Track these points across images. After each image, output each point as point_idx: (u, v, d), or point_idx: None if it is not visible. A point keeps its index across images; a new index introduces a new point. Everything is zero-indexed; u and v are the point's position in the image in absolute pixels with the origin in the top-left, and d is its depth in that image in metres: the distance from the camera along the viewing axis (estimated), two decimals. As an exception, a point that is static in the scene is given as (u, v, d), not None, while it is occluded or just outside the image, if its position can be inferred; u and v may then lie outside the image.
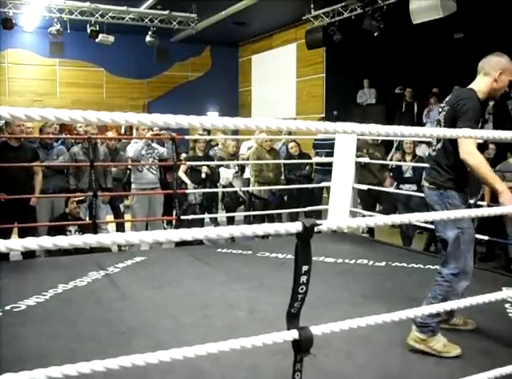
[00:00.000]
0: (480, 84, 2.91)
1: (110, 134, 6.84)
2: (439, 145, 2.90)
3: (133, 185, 6.37)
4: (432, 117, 8.94)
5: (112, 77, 13.84)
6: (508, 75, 2.91)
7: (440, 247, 3.00)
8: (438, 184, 2.89)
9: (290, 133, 7.61)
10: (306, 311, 1.70)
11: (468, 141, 2.71)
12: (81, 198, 5.78)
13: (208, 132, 8.14)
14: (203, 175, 6.47)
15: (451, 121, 2.80)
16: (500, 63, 2.89)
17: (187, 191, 6.21)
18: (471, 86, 2.93)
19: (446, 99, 2.97)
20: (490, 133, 1.97)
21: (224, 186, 6.75)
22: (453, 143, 2.80)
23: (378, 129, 1.76)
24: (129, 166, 6.53)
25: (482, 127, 8.14)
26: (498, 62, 2.90)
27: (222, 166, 6.80)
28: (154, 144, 6.42)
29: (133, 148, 6.22)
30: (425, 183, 2.99)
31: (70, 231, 5.66)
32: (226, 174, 6.73)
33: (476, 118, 2.75)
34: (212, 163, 6.65)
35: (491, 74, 2.88)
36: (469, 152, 2.70)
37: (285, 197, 7.34)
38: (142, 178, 6.27)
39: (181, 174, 6.18)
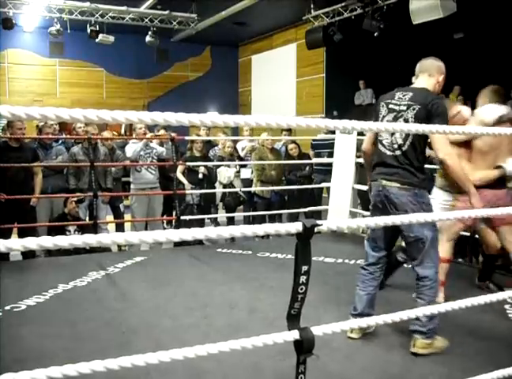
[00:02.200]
0: (429, 85, 2.93)
1: (105, 134, 6.83)
2: (407, 145, 2.82)
3: (132, 186, 6.37)
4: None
5: (112, 77, 13.83)
6: (443, 81, 3.00)
7: (411, 250, 2.90)
8: (413, 184, 2.81)
9: (290, 134, 7.60)
10: (306, 311, 1.70)
11: (445, 142, 2.79)
12: (79, 198, 5.78)
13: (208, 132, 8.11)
14: (200, 176, 6.46)
15: (424, 122, 2.66)
16: (442, 68, 2.99)
17: (187, 191, 6.20)
18: (422, 86, 2.93)
19: (401, 96, 2.88)
20: (490, 130, 1.97)
21: (225, 185, 6.74)
22: (421, 143, 2.84)
23: (377, 127, 1.76)
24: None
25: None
26: (440, 67, 2.98)
27: (221, 166, 6.79)
28: (152, 144, 6.42)
29: (131, 149, 6.22)
30: (393, 183, 2.83)
31: (70, 231, 5.66)
32: (227, 173, 6.72)
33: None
34: (209, 164, 6.64)
35: (435, 77, 2.94)
36: (448, 153, 2.78)
37: (286, 197, 7.34)
38: (141, 178, 6.27)
39: (178, 174, 6.17)
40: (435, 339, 2.84)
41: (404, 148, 2.83)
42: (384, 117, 2.94)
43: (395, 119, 2.87)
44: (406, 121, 2.82)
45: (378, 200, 2.93)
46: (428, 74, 2.94)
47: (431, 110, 2.77)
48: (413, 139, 2.81)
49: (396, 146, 2.85)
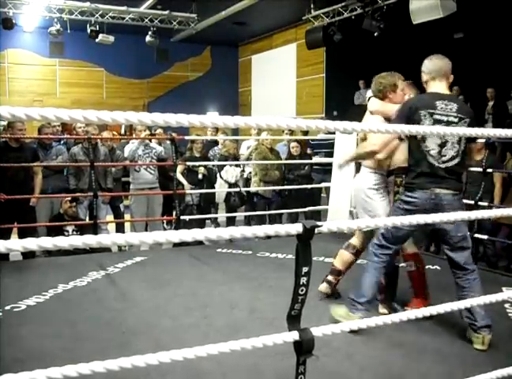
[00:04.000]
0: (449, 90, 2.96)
1: (105, 134, 6.83)
2: (460, 156, 2.87)
3: (131, 186, 6.37)
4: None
5: (112, 77, 13.84)
6: None
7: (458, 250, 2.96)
8: (461, 190, 2.96)
9: (292, 133, 7.60)
10: (306, 312, 1.70)
11: None
12: (74, 197, 5.77)
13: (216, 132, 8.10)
14: (200, 176, 6.45)
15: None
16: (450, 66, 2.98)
17: (187, 191, 6.19)
18: (448, 92, 2.94)
19: (444, 106, 2.85)
20: (491, 132, 1.97)
21: (231, 185, 6.72)
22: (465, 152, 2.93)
23: (378, 128, 1.76)
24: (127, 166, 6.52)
25: (482, 127, 8.13)
26: (450, 67, 2.96)
27: (223, 166, 6.78)
28: (152, 144, 6.42)
29: (128, 148, 6.24)
30: (446, 191, 2.87)
31: (68, 231, 5.64)
32: (235, 172, 6.71)
33: None
34: (209, 163, 6.62)
35: (449, 79, 2.96)
36: None
37: (285, 197, 7.33)
38: (140, 178, 6.27)
39: (178, 174, 6.16)
40: None
41: (456, 160, 2.87)
42: None
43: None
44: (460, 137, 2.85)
45: (424, 207, 2.87)
46: (446, 78, 2.93)
47: (476, 122, 2.87)
48: (464, 149, 2.89)
49: (447, 158, 2.86)
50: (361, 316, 2.93)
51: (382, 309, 3.42)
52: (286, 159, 7.08)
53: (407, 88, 3.51)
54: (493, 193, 5.52)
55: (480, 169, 5.02)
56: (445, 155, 2.85)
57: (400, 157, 3.30)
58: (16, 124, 5.17)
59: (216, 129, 7.79)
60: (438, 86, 2.91)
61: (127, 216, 6.80)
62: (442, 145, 2.84)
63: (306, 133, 7.47)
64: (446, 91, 2.92)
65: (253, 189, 6.72)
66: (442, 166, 2.86)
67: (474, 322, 2.86)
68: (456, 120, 2.83)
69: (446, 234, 2.92)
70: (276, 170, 6.74)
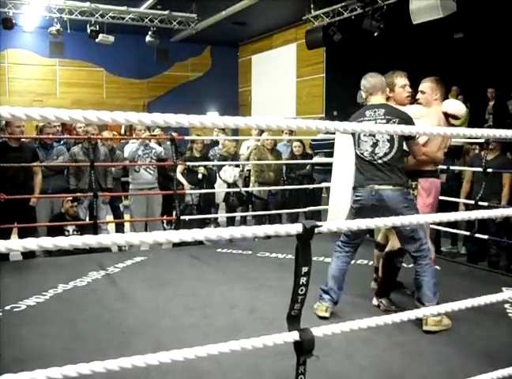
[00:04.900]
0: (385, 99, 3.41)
1: (105, 134, 6.82)
2: (394, 151, 3.15)
3: (130, 186, 6.37)
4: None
5: (112, 77, 13.83)
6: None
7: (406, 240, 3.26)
8: (403, 185, 3.18)
9: (292, 134, 7.60)
10: (306, 312, 1.70)
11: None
12: (75, 197, 5.76)
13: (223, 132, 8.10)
14: (199, 176, 6.45)
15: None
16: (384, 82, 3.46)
17: (186, 191, 6.19)
18: (385, 102, 3.34)
19: (379, 113, 3.22)
20: (491, 132, 1.97)
21: (229, 184, 6.72)
22: (402, 146, 3.24)
23: (378, 128, 1.76)
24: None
25: (482, 127, 8.13)
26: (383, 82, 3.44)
27: (223, 165, 6.78)
28: (152, 144, 6.41)
29: (128, 149, 6.24)
30: (385, 187, 3.15)
31: (68, 231, 5.64)
32: (233, 172, 6.71)
33: None
34: (209, 163, 6.62)
35: (386, 91, 3.42)
36: None
37: (286, 197, 7.33)
38: (139, 178, 6.26)
39: (178, 174, 6.16)
40: (443, 317, 3.06)
41: (390, 155, 3.16)
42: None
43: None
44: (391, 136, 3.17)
45: (368, 203, 3.21)
46: (382, 91, 3.32)
47: (406, 123, 3.08)
48: (399, 145, 3.16)
49: (380, 155, 3.17)
50: (328, 306, 3.31)
51: (374, 301, 3.57)
52: (287, 158, 7.08)
53: (434, 86, 3.72)
54: (500, 193, 5.47)
55: (489, 170, 5.03)
56: (378, 153, 3.18)
57: (413, 160, 3.43)
58: (13, 121, 5.14)
59: (223, 130, 7.80)
60: (375, 99, 3.30)
61: (127, 216, 6.80)
62: (374, 145, 3.18)
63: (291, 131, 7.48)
64: (381, 102, 3.29)
65: (249, 189, 6.72)
66: (377, 162, 3.18)
67: (421, 305, 3.06)
68: (384, 121, 3.15)
69: (396, 228, 3.20)
70: (272, 172, 6.70)
